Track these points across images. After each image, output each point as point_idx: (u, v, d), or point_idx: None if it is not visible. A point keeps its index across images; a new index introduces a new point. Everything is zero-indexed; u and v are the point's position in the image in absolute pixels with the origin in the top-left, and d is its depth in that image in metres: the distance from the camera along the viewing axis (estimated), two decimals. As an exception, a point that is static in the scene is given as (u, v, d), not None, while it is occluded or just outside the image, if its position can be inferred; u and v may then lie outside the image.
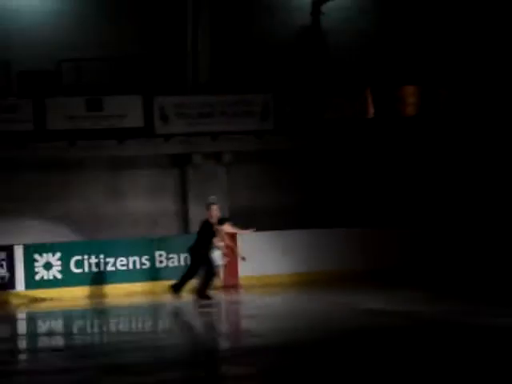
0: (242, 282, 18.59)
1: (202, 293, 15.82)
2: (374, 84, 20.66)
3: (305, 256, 18.86)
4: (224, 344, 11.29)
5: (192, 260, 16.27)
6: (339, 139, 20.58)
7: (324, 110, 20.25)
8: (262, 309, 14.87)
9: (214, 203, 16.31)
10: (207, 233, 16.00)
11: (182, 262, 18.38)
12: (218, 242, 16.49)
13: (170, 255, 18.52)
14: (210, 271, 15.92)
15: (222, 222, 16.51)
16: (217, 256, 16.74)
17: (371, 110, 20.46)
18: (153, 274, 18.32)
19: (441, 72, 21.18)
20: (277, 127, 20.03)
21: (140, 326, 14.32)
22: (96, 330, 13.99)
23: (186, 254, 17.75)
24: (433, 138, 20.80)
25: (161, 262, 18.43)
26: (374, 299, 15.08)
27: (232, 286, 18.48)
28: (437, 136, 20.77)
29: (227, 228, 16.69)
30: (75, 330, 13.98)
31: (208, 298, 15.80)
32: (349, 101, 20.41)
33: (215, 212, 16.12)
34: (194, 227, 20.13)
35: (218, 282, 17.57)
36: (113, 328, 14.14)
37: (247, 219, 20.28)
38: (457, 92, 20.76)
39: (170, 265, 18.45)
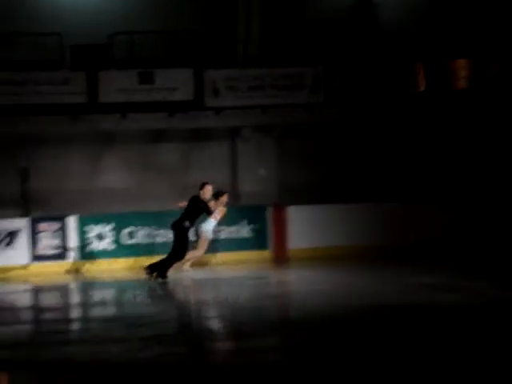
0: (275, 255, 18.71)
1: (162, 271, 15.47)
2: (426, 57, 20.53)
3: (355, 229, 18.87)
4: (260, 317, 11.27)
5: (175, 236, 15.72)
6: (389, 113, 20.52)
7: (375, 83, 20.20)
8: (311, 283, 14.89)
9: (208, 183, 16.03)
10: (195, 208, 15.64)
11: (233, 235, 18.59)
12: (214, 216, 16.21)
13: (221, 227, 18.69)
14: (181, 251, 15.54)
15: (217, 195, 16.31)
16: (209, 227, 16.51)
17: (423, 84, 20.37)
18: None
19: (493, 45, 20.97)
20: (327, 100, 20.02)
21: (185, 297, 14.45)
22: (146, 300, 14.17)
23: (235, 227, 17.94)
24: (484, 111, 20.64)
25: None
26: (421, 274, 15.13)
27: (281, 258, 18.64)
28: (488, 110, 20.60)
29: (221, 204, 16.43)
30: (125, 301, 14.19)
31: (165, 277, 15.42)
32: (400, 74, 20.34)
33: (208, 193, 15.89)
34: (244, 200, 20.35)
35: (214, 257, 17.67)
36: (161, 299, 14.31)
37: (296, 192, 20.42)
38: (509, 66, 20.54)
39: (221, 237, 18.62)
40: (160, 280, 15.33)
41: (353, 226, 18.85)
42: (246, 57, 20.58)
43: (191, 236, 16.13)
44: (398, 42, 21.00)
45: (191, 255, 16.41)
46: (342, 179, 20.77)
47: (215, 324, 10.62)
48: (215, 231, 17.20)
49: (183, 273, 16.13)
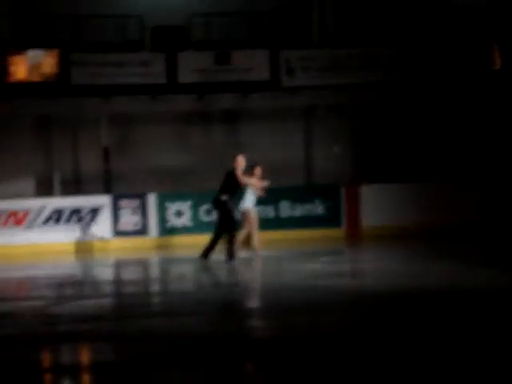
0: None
1: (229, 253, 15.05)
2: (501, 36, 20.43)
3: (427, 208, 18.89)
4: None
5: (218, 213, 15.51)
6: (464, 91, 20.50)
7: (449, 62, 20.20)
8: (380, 260, 15.01)
9: (239, 154, 15.44)
10: (231, 182, 15.22)
11: (307, 212, 18.93)
12: (250, 183, 15.49)
13: (294, 205, 19.07)
14: (229, 224, 15.08)
15: (251, 169, 15.66)
16: (248, 203, 15.69)
17: (498, 62, 20.30)
18: (277, 223, 18.86)
19: None
20: (401, 80, 20.12)
21: (260, 273, 14.70)
22: (221, 276, 14.53)
23: (309, 205, 18.27)
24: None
25: (285, 211, 18.98)
26: (491, 254, 15.17)
27: (354, 236, 18.88)
28: None
29: (255, 176, 15.68)
30: (203, 276, 14.54)
31: (233, 257, 15.03)
32: (475, 53, 20.30)
33: (242, 163, 15.28)
34: (318, 178, 20.66)
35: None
36: (236, 274, 14.47)
37: (369, 170, 20.62)
38: None
39: (295, 214, 19.00)
40: (231, 263, 14.94)
41: (425, 205, 18.94)
42: (321, 37, 20.80)
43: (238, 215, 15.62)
44: (473, 21, 20.92)
45: (253, 235, 15.70)
46: (415, 158, 20.87)
47: (281, 300, 10.90)
48: (256, 207, 16.08)
49: (249, 252, 15.75)
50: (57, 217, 18.63)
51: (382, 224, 18.90)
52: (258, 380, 6.95)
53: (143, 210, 18.83)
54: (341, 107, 20.75)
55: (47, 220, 18.61)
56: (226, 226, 15.19)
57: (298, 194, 19.13)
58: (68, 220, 18.66)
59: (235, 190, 15.39)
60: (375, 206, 19.01)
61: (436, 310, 9.63)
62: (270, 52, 19.94)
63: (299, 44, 20.55)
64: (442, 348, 7.67)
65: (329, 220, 18.94)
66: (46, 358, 8.27)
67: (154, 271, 16.54)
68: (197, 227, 18.75)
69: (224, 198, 15.22)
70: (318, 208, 19.02)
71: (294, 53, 20.05)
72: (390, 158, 20.85)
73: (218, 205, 15.40)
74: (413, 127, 21.00)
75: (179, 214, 18.89)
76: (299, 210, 19.00)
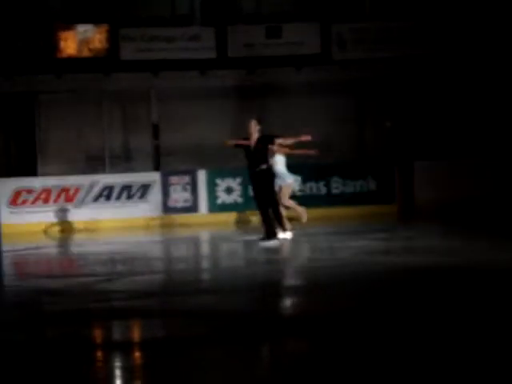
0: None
1: (271, 230, 13.95)
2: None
3: (482, 183, 18.64)
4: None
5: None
6: (500, 64, 20.08)
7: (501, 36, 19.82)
8: (429, 238, 14.74)
9: (252, 119, 14.27)
10: (247, 153, 14.23)
11: (359, 189, 18.70)
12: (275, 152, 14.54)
13: (346, 181, 18.84)
14: (270, 197, 14.07)
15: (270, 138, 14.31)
16: (282, 179, 14.85)
17: None
18: (328, 199, 18.67)
19: None
20: (454, 53, 19.76)
21: (308, 250, 14.57)
22: (268, 253, 14.34)
23: (361, 181, 18.04)
24: None
25: (336, 187, 18.76)
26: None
27: (407, 212, 18.63)
28: None
29: (283, 141, 14.54)
30: (251, 253, 14.33)
31: (272, 235, 13.99)
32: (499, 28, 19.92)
33: (254, 127, 14.06)
34: (370, 153, 20.42)
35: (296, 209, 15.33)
36: (285, 251, 14.19)
37: (422, 146, 20.32)
38: None
39: (346, 191, 18.77)
40: (268, 241, 14.01)
41: (479, 181, 18.62)
42: (372, 9, 20.49)
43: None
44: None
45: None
46: (469, 133, 20.51)
47: (327, 276, 10.75)
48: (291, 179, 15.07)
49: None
50: (107, 193, 18.62)
51: (436, 200, 18.59)
52: (300, 357, 6.82)
53: (193, 186, 18.78)
54: (393, 81, 20.44)
55: (98, 197, 18.61)
56: (263, 200, 14.17)
57: (349, 170, 18.89)
58: (118, 197, 18.65)
59: (256, 157, 14.10)
60: (429, 182, 18.71)
61: (484, 288, 9.36)
62: (321, 25, 19.77)
63: (351, 17, 20.29)
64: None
65: (381, 196, 18.69)
66: (97, 334, 8.23)
67: (204, 248, 16.46)
68: (246, 204, 18.62)
69: (252, 170, 14.22)
70: (370, 184, 18.77)
71: (346, 26, 19.80)
72: (444, 133, 20.51)
73: (252, 178, 14.40)
74: (466, 102, 20.62)
75: (229, 190, 18.78)
76: (351, 187, 18.75)
